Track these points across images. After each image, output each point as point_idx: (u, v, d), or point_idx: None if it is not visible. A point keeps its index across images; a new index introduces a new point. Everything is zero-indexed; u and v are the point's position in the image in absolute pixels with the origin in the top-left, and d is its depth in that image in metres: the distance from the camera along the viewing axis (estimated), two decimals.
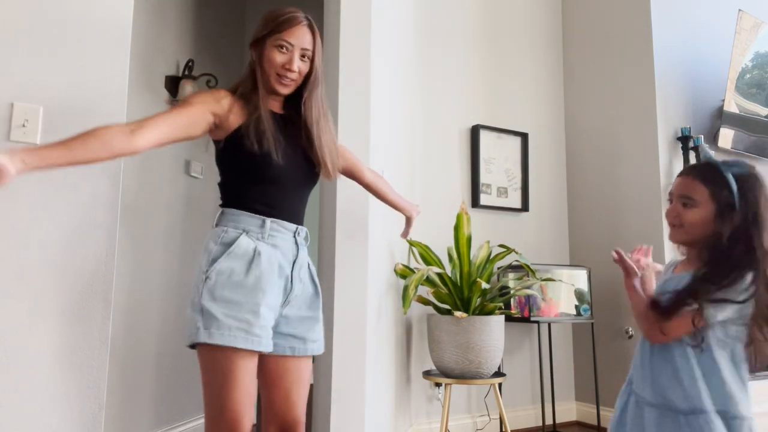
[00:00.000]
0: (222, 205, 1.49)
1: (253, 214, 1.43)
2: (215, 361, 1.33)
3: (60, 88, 1.56)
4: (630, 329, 3.20)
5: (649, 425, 1.27)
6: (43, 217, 1.51)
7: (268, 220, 1.44)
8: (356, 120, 2.36)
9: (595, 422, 3.20)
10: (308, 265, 1.54)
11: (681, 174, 1.36)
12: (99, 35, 1.62)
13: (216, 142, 1.49)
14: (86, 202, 1.56)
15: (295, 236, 1.49)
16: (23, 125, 1.50)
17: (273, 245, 1.44)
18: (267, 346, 1.38)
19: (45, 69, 1.54)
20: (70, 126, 1.55)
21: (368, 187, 1.89)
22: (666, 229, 3.26)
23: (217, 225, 1.46)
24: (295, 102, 1.54)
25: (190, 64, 2.86)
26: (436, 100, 3.25)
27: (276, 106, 1.54)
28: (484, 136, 3.35)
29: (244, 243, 1.40)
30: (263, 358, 1.45)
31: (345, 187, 2.32)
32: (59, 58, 1.56)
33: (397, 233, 2.73)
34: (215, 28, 3.28)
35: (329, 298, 2.27)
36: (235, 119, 1.44)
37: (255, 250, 1.40)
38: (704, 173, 1.30)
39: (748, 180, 1.27)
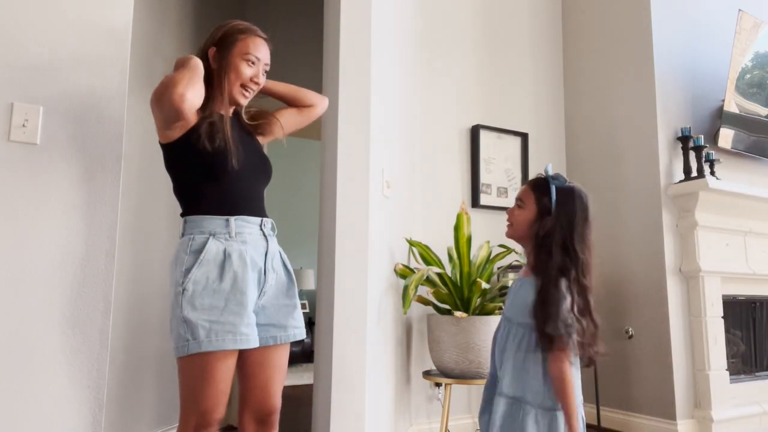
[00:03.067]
0: (183, 214, 1.51)
1: (216, 216, 1.46)
2: (198, 366, 1.38)
3: (60, 88, 1.56)
4: (630, 329, 3.20)
5: (513, 418, 1.42)
6: (43, 216, 1.51)
7: (232, 219, 1.46)
8: (356, 120, 2.36)
9: (595, 422, 3.20)
10: (279, 254, 1.58)
11: (525, 184, 1.60)
12: (99, 35, 1.62)
13: (165, 146, 1.51)
14: (86, 202, 1.56)
15: (261, 228, 1.52)
16: (23, 125, 1.50)
17: (242, 242, 1.47)
18: (255, 342, 1.44)
19: (45, 69, 1.54)
20: (70, 126, 1.56)
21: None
22: (667, 230, 3.27)
23: (183, 234, 1.48)
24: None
25: None
26: (436, 100, 3.25)
27: (228, 110, 1.59)
28: (484, 136, 3.35)
29: (213, 247, 1.43)
30: (244, 351, 1.48)
31: (345, 187, 2.32)
32: (59, 58, 1.56)
33: (397, 233, 2.73)
34: None
35: (329, 298, 2.27)
36: (191, 118, 1.47)
37: (225, 253, 1.43)
38: (535, 183, 1.54)
39: (567, 193, 1.48)
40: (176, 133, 1.47)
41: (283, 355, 1.57)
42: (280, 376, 1.56)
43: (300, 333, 1.58)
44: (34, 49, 1.54)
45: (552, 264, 1.42)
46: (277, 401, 1.56)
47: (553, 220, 1.46)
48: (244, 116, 1.65)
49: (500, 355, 1.52)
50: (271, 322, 1.52)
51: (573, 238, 1.44)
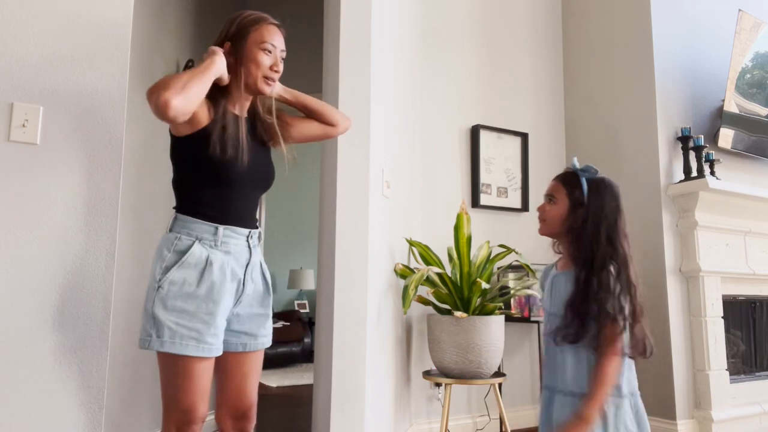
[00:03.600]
0: (176, 209, 1.51)
1: (207, 222, 1.46)
2: (171, 365, 1.40)
3: (60, 88, 1.56)
4: None
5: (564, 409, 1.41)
6: (43, 216, 1.51)
7: (221, 228, 1.46)
8: (356, 120, 2.36)
9: None
10: (260, 264, 1.58)
11: (553, 179, 1.58)
12: (99, 35, 1.62)
13: (174, 137, 1.49)
14: (86, 202, 1.57)
15: (247, 240, 1.52)
16: (23, 125, 1.50)
17: (226, 252, 1.47)
18: (218, 351, 1.44)
19: (45, 69, 1.54)
20: (70, 126, 1.56)
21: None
22: (667, 230, 3.26)
23: (170, 230, 1.47)
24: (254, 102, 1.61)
25: (190, 64, 2.87)
26: (436, 100, 3.25)
27: (245, 107, 1.58)
28: (484, 136, 3.35)
29: (197, 252, 1.43)
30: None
31: (345, 187, 2.33)
32: (59, 58, 1.56)
33: (397, 233, 2.73)
34: (215, 28, 3.26)
35: (329, 298, 2.27)
36: (203, 118, 1.45)
37: (207, 260, 1.43)
38: (565, 177, 1.54)
39: (597, 184, 1.49)
40: (185, 129, 1.45)
41: (257, 359, 1.58)
42: (255, 375, 1.58)
43: (267, 341, 1.59)
44: (34, 49, 1.54)
45: (591, 255, 1.42)
46: (253, 398, 1.57)
47: (586, 211, 1.46)
48: (261, 110, 1.61)
49: (555, 353, 1.48)
50: (244, 330, 1.53)
51: (608, 228, 1.44)
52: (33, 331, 1.47)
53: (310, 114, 1.71)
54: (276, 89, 1.64)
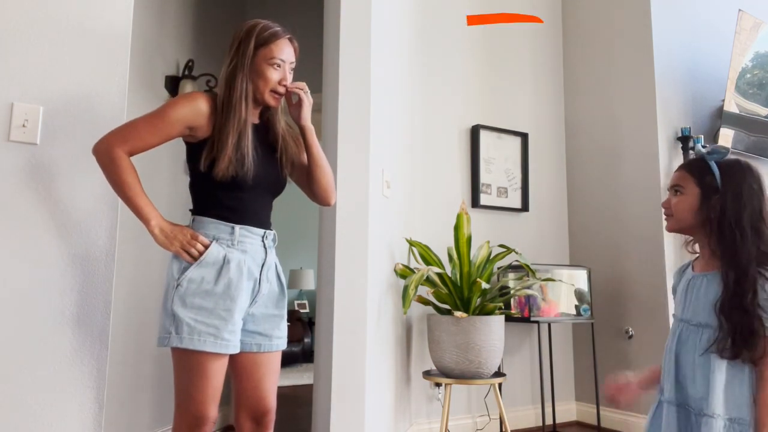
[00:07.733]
0: (193, 212, 1.54)
1: (223, 222, 1.49)
2: (187, 362, 1.43)
3: (60, 88, 1.56)
4: (630, 329, 3.20)
5: None
6: (42, 216, 1.51)
7: (237, 227, 1.49)
8: (356, 120, 2.36)
9: (595, 422, 3.20)
10: (275, 265, 1.60)
11: (676, 169, 1.43)
12: (99, 35, 1.62)
13: (188, 144, 1.53)
14: (86, 203, 1.57)
15: (263, 240, 1.54)
16: (23, 125, 1.50)
17: (242, 251, 1.49)
18: (235, 348, 1.47)
19: (45, 69, 1.54)
20: (70, 126, 1.56)
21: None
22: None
23: None
24: (267, 109, 1.61)
25: (190, 64, 2.87)
26: (436, 100, 3.25)
27: (255, 114, 1.58)
28: (484, 136, 3.35)
29: (215, 251, 1.46)
30: (234, 354, 1.51)
31: (345, 187, 2.32)
32: (59, 58, 1.56)
33: (397, 233, 2.73)
34: (215, 28, 3.28)
35: (329, 298, 2.27)
36: (211, 127, 1.48)
37: (225, 258, 1.46)
38: (690, 164, 1.38)
39: (731, 165, 1.32)
40: (197, 135, 1.48)
41: (273, 360, 1.60)
42: (273, 376, 1.59)
43: (282, 343, 1.61)
44: (34, 49, 1.54)
45: (737, 249, 1.23)
46: (272, 400, 1.58)
47: (723, 197, 1.27)
48: (281, 122, 1.61)
49: (691, 368, 1.30)
50: (258, 331, 1.55)
51: (752, 214, 1.25)
52: (33, 331, 1.47)
53: (310, 159, 1.65)
54: (306, 118, 1.60)
